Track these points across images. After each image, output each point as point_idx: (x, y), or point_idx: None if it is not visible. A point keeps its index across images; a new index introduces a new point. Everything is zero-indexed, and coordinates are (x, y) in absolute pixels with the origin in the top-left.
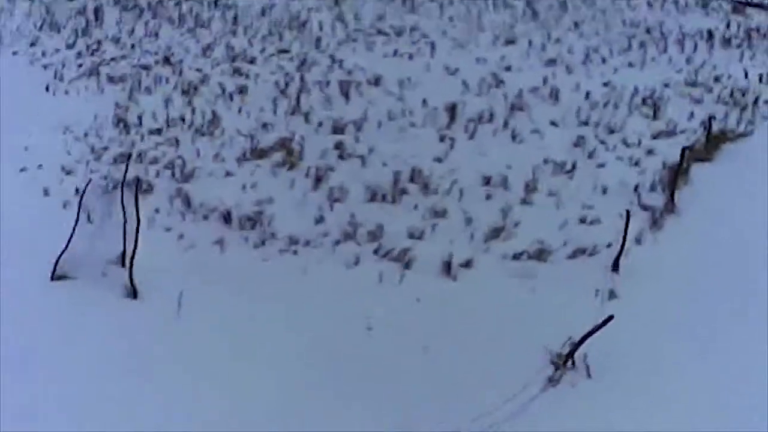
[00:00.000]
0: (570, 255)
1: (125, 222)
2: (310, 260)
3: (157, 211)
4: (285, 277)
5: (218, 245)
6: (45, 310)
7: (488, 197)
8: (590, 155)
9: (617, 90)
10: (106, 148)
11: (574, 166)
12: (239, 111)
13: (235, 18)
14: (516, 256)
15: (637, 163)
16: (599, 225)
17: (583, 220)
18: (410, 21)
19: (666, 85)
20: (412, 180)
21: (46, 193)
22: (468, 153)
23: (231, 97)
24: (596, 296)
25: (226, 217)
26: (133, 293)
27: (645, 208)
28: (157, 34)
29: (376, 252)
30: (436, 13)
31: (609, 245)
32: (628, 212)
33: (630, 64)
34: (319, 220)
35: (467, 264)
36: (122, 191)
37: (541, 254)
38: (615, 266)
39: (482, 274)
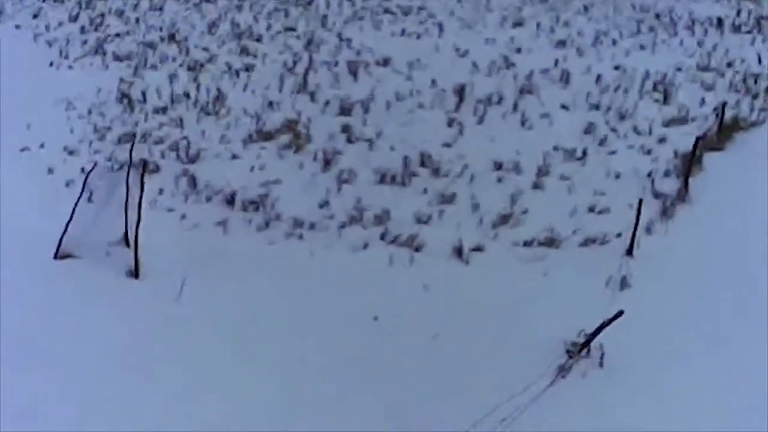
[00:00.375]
0: (581, 243)
1: (127, 201)
2: (316, 245)
3: (160, 191)
4: (290, 261)
5: (221, 227)
6: (48, 291)
7: (499, 180)
8: (601, 142)
9: (628, 73)
10: (109, 128)
11: (585, 153)
12: (244, 89)
13: None
14: (527, 243)
15: (649, 152)
16: (610, 213)
17: (592, 209)
18: (417, 2)
19: (678, 69)
20: (422, 164)
21: (50, 171)
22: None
23: (237, 74)
24: (607, 285)
25: (230, 199)
26: (136, 274)
27: (657, 195)
28: (161, 9)
29: (383, 237)
30: None
31: (619, 235)
32: (640, 201)
33: (641, 47)
34: (325, 203)
35: (478, 249)
36: (128, 171)
37: (552, 242)
38: (629, 251)
39: (493, 260)
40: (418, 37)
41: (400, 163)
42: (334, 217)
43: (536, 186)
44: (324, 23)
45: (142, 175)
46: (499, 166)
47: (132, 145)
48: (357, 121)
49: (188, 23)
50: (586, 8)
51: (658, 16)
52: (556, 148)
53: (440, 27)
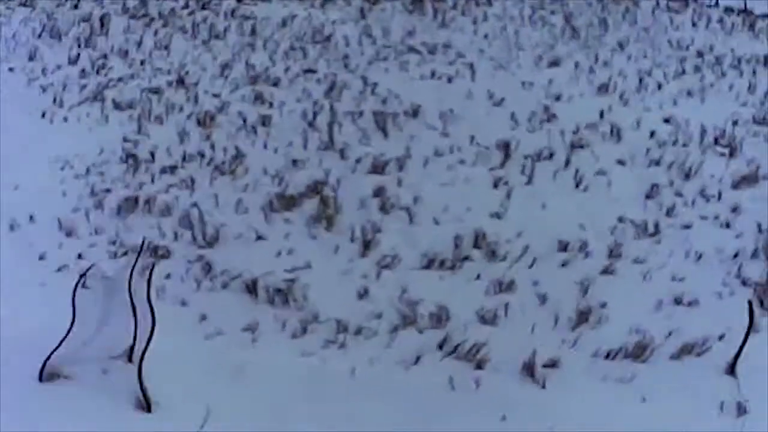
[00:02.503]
0: (676, 353)
1: (136, 319)
2: (360, 356)
3: (167, 276)
4: (329, 380)
5: (249, 333)
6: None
7: (564, 264)
8: (669, 212)
9: (682, 128)
10: (109, 190)
11: (657, 228)
12: (265, 146)
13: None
14: (611, 355)
15: (728, 225)
16: (700, 305)
17: (679, 300)
18: (442, 39)
19: (735, 123)
20: (475, 244)
21: (41, 257)
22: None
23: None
24: (721, 413)
25: (251, 287)
26: (147, 407)
27: (745, 282)
28: (167, 47)
29: (441, 346)
30: (470, 29)
31: (722, 337)
32: (750, 304)
33: (689, 93)
34: (364, 293)
35: (553, 364)
36: (130, 279)
37: (641, 352)
38: (731, 369)
39: (573, 379)
40: (449, 80)
41: (448, 243)
42: (381, 317)
43: (607, 270)
44: (346, 64)
45: (149, 286)
46: (564, 247)
47: (141, 248)
48: (391, 181)
49: (198, 65)
50: (621, 45)
51: (700, 54)
52: (621, 220)
53: (471, 68)
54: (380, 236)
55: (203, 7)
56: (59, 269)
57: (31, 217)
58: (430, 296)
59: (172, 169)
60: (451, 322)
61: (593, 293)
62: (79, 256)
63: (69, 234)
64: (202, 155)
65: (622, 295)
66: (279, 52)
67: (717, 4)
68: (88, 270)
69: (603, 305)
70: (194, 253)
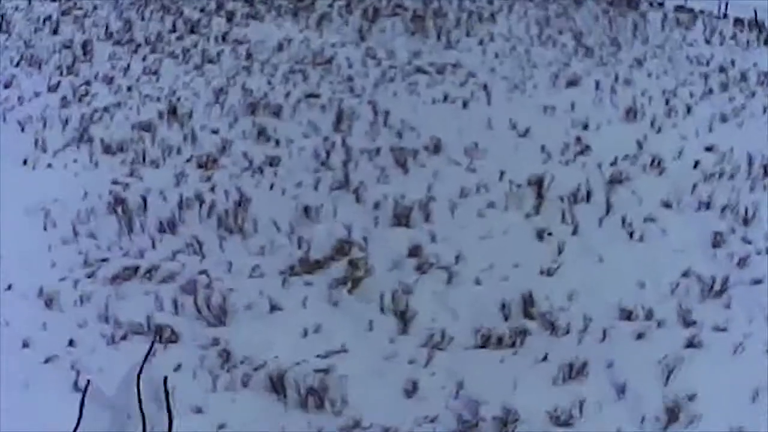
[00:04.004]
0: None
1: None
2: None
3: (177, 367)
4: None
5: None
6: None
7: (639, 336)
8: (741, 263)
9: (727, 156)
10: (105, 260)
11: (725, 285)
12: (271, 187)
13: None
14: None
15: None
16: None
17: None
18: (451, 59)
19: None
20: (526, 313)
21: (25, 345)
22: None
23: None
24: None
25: (277, 384)
26: None
27: None
28: (156, 72)
29: None
30: (478, 50)
31: None
32: None
33: (722, 118)
34: (413, 388)
35: None
36: (138, 388)
37: None
38: None
39: None
40: (465, 105)
41: (497, 310)
42: (437, 420)
43: (692, 344)
44: (351, 87)
45: (167, 398)
46: (628, 314)
47: (148, 352)
48: (422, 235)
49: (190, 90)
50: (639, 62)
51: (723, 69)
52: (686, 275)
53: (485, 89)
54: (415, 302)
55: (192, 31)
56: (47, 360)
57: (9, 287)
58: (491, 388)
59: (171, 225)
60: (519, 426)
61: (677, 377)
62: (71, 343)
63: (49, 305)
64: (200, 200)
65: (711, 380)
66: (277, 75)
67: (726, 15)
68: (86, 390)
69: (692, 397)
70: (205, 334)
